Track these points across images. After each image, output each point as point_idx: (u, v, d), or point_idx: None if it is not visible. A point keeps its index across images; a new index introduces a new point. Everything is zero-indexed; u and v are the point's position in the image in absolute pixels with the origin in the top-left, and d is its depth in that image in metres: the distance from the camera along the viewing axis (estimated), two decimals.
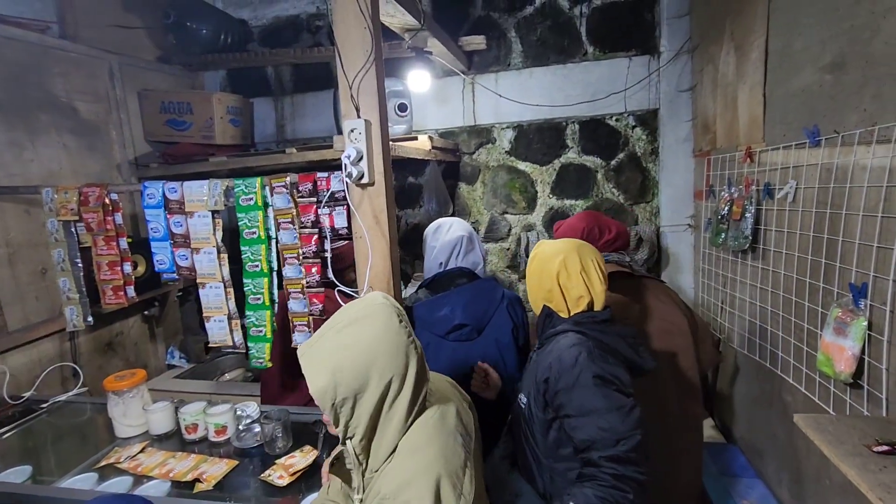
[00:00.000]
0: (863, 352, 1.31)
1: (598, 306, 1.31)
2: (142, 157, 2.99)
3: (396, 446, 0.97)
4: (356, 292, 1.64)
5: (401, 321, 0.99)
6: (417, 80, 2.38)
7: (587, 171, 3.08)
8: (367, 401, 0.94)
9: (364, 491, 0.99)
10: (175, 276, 1.98)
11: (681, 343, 1.68)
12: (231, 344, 2.01)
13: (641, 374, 1.30)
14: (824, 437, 1.17)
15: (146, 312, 3.00)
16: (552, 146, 3.11)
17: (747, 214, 1.95)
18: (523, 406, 1.30)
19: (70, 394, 2.06)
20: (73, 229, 2.05)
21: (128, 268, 2.05)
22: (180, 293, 3.21)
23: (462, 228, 1.84)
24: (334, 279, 1.65)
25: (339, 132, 2.89)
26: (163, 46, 3.17)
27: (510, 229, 3.24)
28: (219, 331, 2.00)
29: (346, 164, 1.54)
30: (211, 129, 2.97)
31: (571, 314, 1.30)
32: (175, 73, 3.29)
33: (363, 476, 0.99)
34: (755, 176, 1.97)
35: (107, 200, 1.97)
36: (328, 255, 1.81)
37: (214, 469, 1.48)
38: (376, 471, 0.98)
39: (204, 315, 2.00)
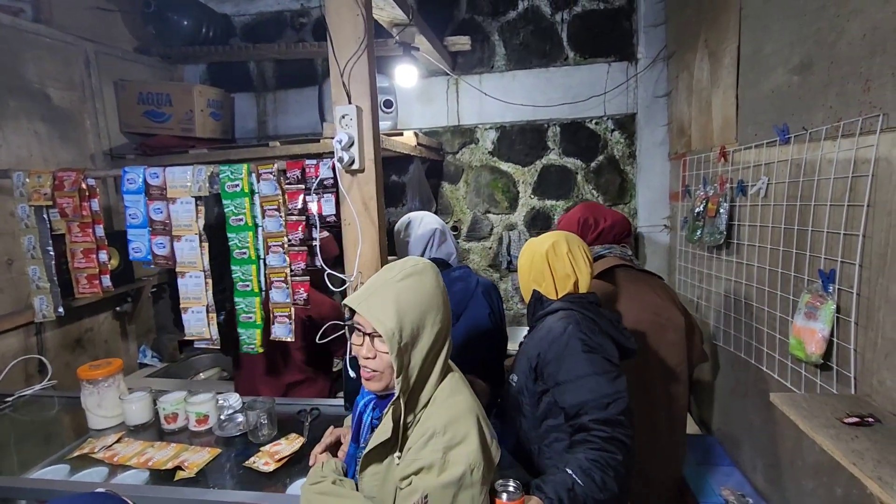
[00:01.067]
0: (832, 334, 1.38)
1: (583, 288, 1.38)
2: (117, 148, 2.91)
3: (430, 398, 1.03)
4: (348, 278, 1.63)
5: (440, 283, 1.07)
6: (405, 75, 2.40)
7: (568, 173, 3.16)
8: (421, 349, 1.00)
9: (402, 449, 1.02)
10: (151, 264, 1.93)
11: (673, 338, 1.73)
12: (208, 337, 1.96)
13: (626, 354, 1.34)
14: (800, 413, 1.22)
15: (118, 308, 2.89)
16: (534, 147, 3.17)
17: (722, 211, 2.04)
18: (514, 384, 1.35)
19: (37, 387, 1.97)
20: (45, 215, 1.97)
21: (104, 256, 1.99)
22: (154, 289, 3.12)
23: (434, 221, 1.86)
24: (322, 265, 1.64)
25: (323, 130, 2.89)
26: (141, 37, 3.11)
27: (492, 228, 3.28)
28: (196, 322, 1.95)
29: (337, 149, 1.54)
30: (191, 122, 2.92)
31: (559, 295, 1.36)
32: (153, 64, 3.23)
33: (403, 431, 1.02)
34: (729, 174, 2.06)
35: (83, 185, 1.91)
36: (316, 242, 1.80)
37: (196, 457, 1.44)
38: (410, 424, 1.03)
39: (181, 306, 1.94)
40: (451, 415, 1.00)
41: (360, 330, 1.04)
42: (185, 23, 3.08)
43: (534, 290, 1.40)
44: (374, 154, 1.64)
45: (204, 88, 2.98)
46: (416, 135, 2.61)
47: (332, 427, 1.32)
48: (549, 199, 3.20)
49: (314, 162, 1.75)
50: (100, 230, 1.97)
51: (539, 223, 3.21)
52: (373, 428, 1.09)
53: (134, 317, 3.03)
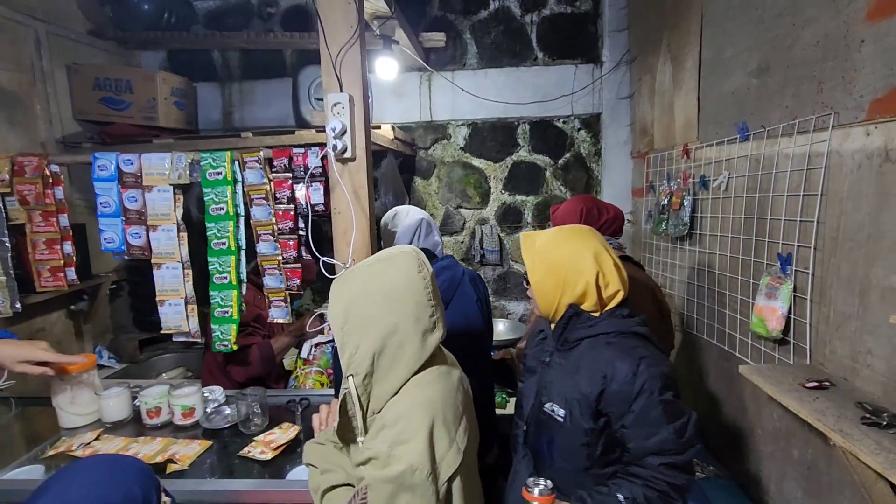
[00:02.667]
0: (790, 311, 1.53)
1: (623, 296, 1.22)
2: (70, 136, 2.73)
3: (398, 390, 0.98)
4: (343, 265, 1.63)
5: (420, 271, 1.01)
6: (385, 68, 2.42)
7: (537, 169, 3.27)
8: (372, 339, 0.95)
9: (366, 433, 0.99)
10: (125, 255, 1.85)
11: (668, 327, 1.83)
12: (186, 330, 1.90)
13: None
14: (766, 381, 1.36)
15: (73, 307, 2.72)
16: (505, 144, 3.26)
17: (685, 204, 2.19)
18: (560, 418, 1.17)
19: None
20: (0, 204, 1.84)
21: (68, 248, 1.88)
22: (113, 286, 2.95)
23: (420, 213, 1.90)
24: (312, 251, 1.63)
25: (297, 122, 2.85)
26: (97, 19, 2.94)
27: (464, 223, 3.34)
28: (174, 315, 1.89)
29: (329, 137, 1.55)
30: (154, 111, 2.79)
31: (604, 311, 1.19)
32: (109, 49, 3.06)
33: (364, 418, 0.98)
34: (692, 170, 2.22)
35: (47, 172, 1.80)
36: (303, 233, 1.79)
37: (186, 450, 1.40)
38: (378, 412, 0.98)
39: (158, 298, 1.87)
40: (404, 409, 0.96)
41: None
42: (145, 7, 2.94)
43: (571, 306, 1.18)
44: (365, 143, 1.65)
45: (167, 76, 2.86)
46: (393, 128, 2.62)
47: (333, 400, 1.29)
48: (519, 195, 3.30)
49: (302, 150, 1.74)
50: (64, 220, 1.86)
51: (510, 218, 3.31)
52: None
53: (90, 316, 2.86)
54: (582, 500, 1.07)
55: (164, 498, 0.85)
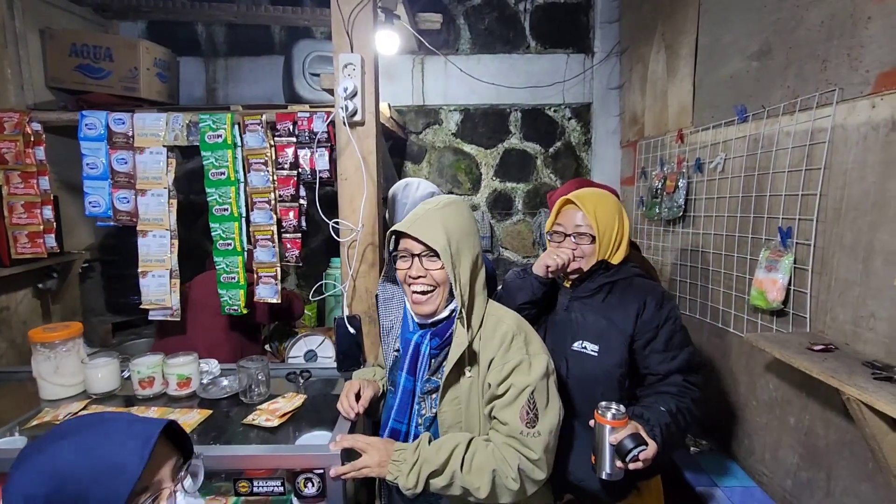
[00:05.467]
0: (790, 283, 1.58)
1: None
2: (42, 103, 2.56)
3: (482, 319, 1.12)
4: (355, 227, 1.58)
5: (472, 214, 1.17)
6: (386, 42, 2.37)
7: (528, 157, 3.28)
8: (466, 266, 1.08)
9: (474, 363, 1.09)
10: (110, 221, 1.74)
11: None
12: (168, 306, 1.81)
13: None
14: (774, 346, 1.39)
15: (40, 285, 2.54)
16: (497, 131, 3.27)
17: (680, 186, 2.24)
18: (594, 353, 1.28)
19: None
20: None
21: (48, 213, 1.76)
22: (86, 265, 2.79)
23: (430, 185, 1.89)
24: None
25: (290, 99, 2.76)
26: None
27: None
28: (156, 288, 1.79)
29: (340, 98, 1.50)
30: (135, 81, 2.65)
31: (619, 261, 1.34)
32: (85, 16, 2.89)
33: (470, 346, 1.08)
34: (686, 154, 2.27)
35: (28, 130, 1.68)
36: (304, 202, 1.73)
37: (186, 418, 1.33)
38: (471, 343, 1.09)
39: (140, 270, 1.77)
40: (514, 319, 1.12)
41: (406, 254, 1.10)
42: None
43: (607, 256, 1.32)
44: (374, 107, 1.61)
45: (151, 45, 2.72)
46: (388, 106, 2.58)
47: (349, 382, 1.28)
48: (510, 182, 3.31)
49: (307, 114, 1.68)
50: (45, 182, 1.74)
51: (501, 204, 3.31)
52: (432, 357, 1.13)
53: (59, 296, 2.68)
54: (641, 416, 1.16)
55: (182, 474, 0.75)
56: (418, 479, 1.03)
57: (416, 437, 1.14)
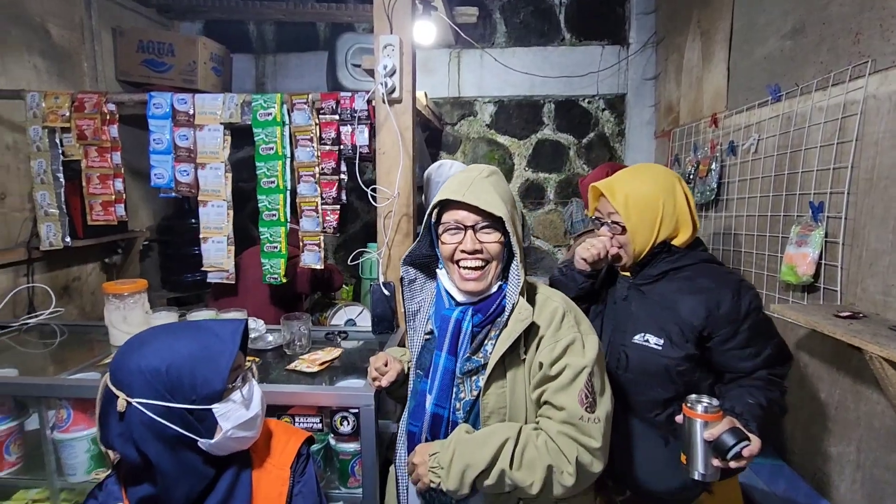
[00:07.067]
0: (821, 257, 1.58)
1: None
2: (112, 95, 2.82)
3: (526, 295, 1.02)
4: (392, 194, 1.69)
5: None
6: (423, 32, 2.49)
7: (561, 147, 3.33)
8: (519, 236, 1.02)
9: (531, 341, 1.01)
10: (172, 192, 1.92)
11: None
12: (225, 269, 1.97)
13: None
14: (801, 315, 1.40)
15: (107, 260, 2.80)
16: (530, 122, 3.33)
17: (713, 169, 2.24)
18: (658, 346, 1.16)
19: (44, 315, 1.90)
20: (57, 140, 1.92)
21: (119, 184, 1.96)
22: (146, 243, 3.03)
23: (462, 166, 1.99)
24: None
25: (331, 89, 2.93)
26: None
27: None
28: (216, 253, 1.95)
29: (380, 75, 1.62)
30: (193, 74, 2.89)
31: (686, 244, 1.22)
32: (150, 16, 3.16)
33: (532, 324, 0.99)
34: (720, 139, 2.27)
35: (104, 109, 1.88)
36: (344, 176, 1.86)
37: None
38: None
39: (201, 236, 1.94)
40: (561, 297, 1.05)
41: (457, 226, 1.02)
42: None
43: (663, 242, 1.20)
44: (411, 86, 1.72)
45: (207, 41, 2.95)
46: (425, 95, 2.69)
47: (377, 354, 1.24)
48: (542, 172, 3.36)
49: (349, 94, 1.81)
50: (117, 157, 1.94)
51: (533, 194, 3.37)
52: (474, 335, 1.03)
53: (122, 270, 2.93)
54: (731, 410, 1.06)
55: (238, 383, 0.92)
56: (462, 482, 0.94)
57: (454, 424, 1.02)
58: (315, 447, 1.34)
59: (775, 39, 1.90)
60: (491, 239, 1.01)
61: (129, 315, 1.64)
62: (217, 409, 0.88)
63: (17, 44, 2.27)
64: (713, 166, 2.24)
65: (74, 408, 1.36)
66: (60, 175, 1.95)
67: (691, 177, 2.42)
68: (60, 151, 1.92)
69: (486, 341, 1.03)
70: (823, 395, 1.60)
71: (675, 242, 1.20)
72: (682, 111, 2.75)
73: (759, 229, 1.96)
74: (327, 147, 1.81)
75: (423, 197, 2.21)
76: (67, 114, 1.87)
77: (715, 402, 1.00)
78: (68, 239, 2.00)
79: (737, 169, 2.13)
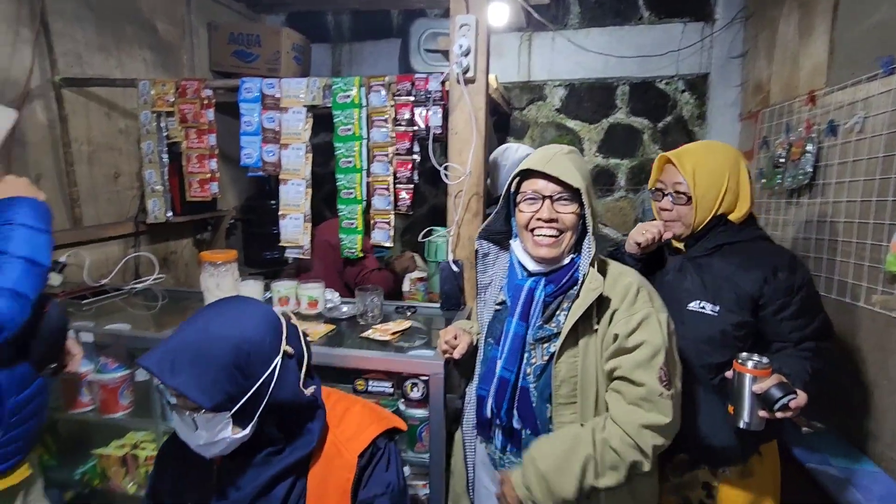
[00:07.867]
0: None
1: None
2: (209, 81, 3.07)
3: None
4: (464, 172, 1.73)
5: None
6: (496, 13, 2.48)
7: (634, 132, 3.20)
8: (592, 214, 1.05)
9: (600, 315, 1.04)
10: (259, 170, 2.07)
11: None
12: (301, 245, 2.09)
13: None
14: None
15: (198, 236, 3.07)
16: (602, 105, 3.23)
17: (808, 151, 2.07)
18: (714, 313, 1.23)
19: (150, 280, 2.13)
20: (162, 123, 2.13)
21: (214, 164, 2.14)
22: (231, 222, 3.29)
23: (528, 149, 1.97)
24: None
25: (404, 73, 3.00)
26: None
27: None
28: (293, 229, 2.08)
29: (456, 54, 1.64)
30: (277, 63, 3.07)
31: (741, 220, 1.28)
32: (240, 10, 3.39)
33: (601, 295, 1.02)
34: (817, 118, 2.09)
35: (202, 94, 2.06)
36: (417, 157, 1.91)
37: (316, 328, 1.57)
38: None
39: (280, 213, 2.08)
40: (636, 273, 1.09)
41: (536, 195, 1.06)
42: None
43: (721, 216, 1.26)
44: (485, 66, 1.73)
45: (290, 32, 3.12)
46: (496, 78, 2.69)
47: (446, 328, 1.29)
48: (613, 158, 3.25)
49: (423, 76, 1.85)
50: (212, 139, 2.12)
51: (602, 180, 3.27)
52: (546, 305, 1.07)
53: (211, 246, 3.20)
54: (779, 370, 1.12)
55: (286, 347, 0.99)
56: None
57: (523, 390, 1.07)
58: None
59: (890, 6, 1.71)
60: (567, 210, 1.05)
61: (222, 282, 1.79)
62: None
63: (131, 40, 2.53)
64: (808, 148, 2.06)
65: None
66: (165, 155, 2.16)
67: (782, 160, 2.24)
68: (165, 134, 2.13)
69: (558, 311, 1.07)
70: None
71: (731, 217, 1.26)
72: (773, 90, 2.55)
73: (862, 216, 1.78)
74: (402, 128, 1.87)
75: (489, 180, 2.22)
76: (172, 99, 2.06)
77: (765, 359, 1.08)
78: (170, 213, 2.21)
79: (836, 150, 1.95)
